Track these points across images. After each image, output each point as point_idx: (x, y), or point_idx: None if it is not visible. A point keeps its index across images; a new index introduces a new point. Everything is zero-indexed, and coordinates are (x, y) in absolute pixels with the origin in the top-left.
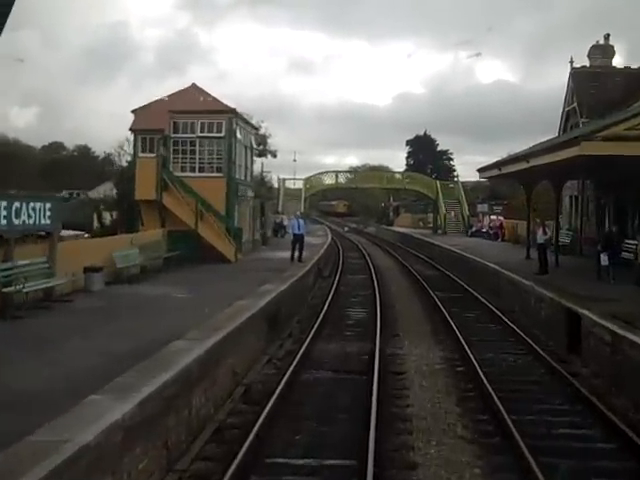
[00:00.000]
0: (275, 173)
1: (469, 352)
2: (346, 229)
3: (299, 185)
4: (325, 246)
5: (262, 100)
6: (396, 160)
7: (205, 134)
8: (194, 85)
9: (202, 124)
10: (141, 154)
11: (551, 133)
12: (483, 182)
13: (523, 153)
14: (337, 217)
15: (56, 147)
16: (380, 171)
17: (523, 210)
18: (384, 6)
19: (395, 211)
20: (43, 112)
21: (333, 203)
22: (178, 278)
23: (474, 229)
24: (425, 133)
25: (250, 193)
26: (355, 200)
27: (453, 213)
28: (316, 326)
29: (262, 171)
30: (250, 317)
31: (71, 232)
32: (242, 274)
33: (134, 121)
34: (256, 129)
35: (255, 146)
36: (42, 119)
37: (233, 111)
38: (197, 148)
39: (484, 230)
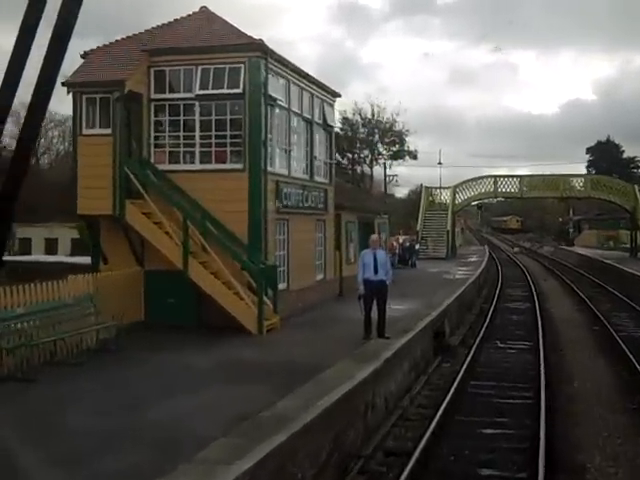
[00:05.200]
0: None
1: None
2: (516, 250)
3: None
4: (468, 283)
5: (424, 114)
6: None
7: (210, 91)
8: (203, 9)
9: (204, 72)
10: (86, 130)
11: None
12: None
13: None
14: (509, 234)
15: None
16: (554, 175)
17: None
18: (546, 12)
19: (576, 227)
20: None
21: (505, 219)
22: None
23: None
24: (608, 139)
25: (324, 203)
26: (530, 215)
27: None
28: None
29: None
30: None
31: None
32: (217, 386)
33: (76, 71)
34: (335, 95)
35: (337, 124)
36: None
37: (260, 46)
38: (197, 118)
39: None
